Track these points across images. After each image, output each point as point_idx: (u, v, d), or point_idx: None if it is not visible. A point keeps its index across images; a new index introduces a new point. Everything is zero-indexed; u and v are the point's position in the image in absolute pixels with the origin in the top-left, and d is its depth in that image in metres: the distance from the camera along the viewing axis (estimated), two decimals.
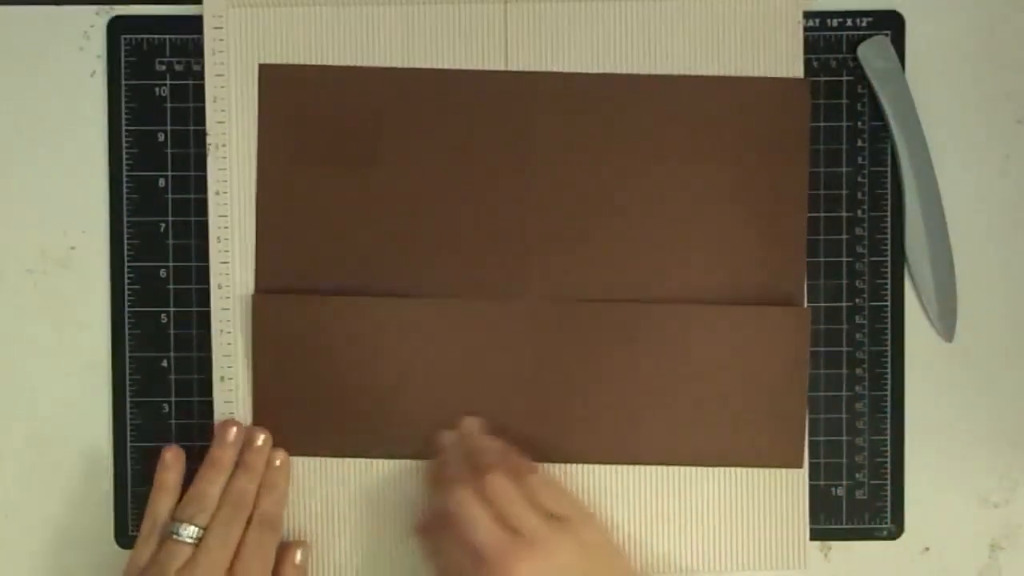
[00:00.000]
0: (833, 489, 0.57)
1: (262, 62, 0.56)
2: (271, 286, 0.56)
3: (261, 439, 0.55)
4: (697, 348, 0.56)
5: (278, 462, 0.55)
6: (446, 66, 0.56)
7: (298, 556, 0.55)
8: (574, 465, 0.56)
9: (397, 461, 0.57)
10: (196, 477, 0.54)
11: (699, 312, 0.56)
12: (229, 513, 0.52)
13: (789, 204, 0.56)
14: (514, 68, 0.56)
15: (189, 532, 0.52)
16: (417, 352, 0.56)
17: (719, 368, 0.56)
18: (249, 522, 0.53)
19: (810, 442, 0.57)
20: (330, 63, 0.56)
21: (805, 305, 0.57)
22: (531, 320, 0.56)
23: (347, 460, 0.57)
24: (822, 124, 0.57)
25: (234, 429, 0.55)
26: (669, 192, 0.56)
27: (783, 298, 0.56)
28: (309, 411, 0.56)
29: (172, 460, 0.55)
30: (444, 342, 0.56)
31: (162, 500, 0.54)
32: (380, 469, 0.57)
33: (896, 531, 0.57)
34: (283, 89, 0.56)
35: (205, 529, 0.52)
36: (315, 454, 0.56)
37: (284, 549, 0.55)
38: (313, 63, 0.56)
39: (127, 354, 0.57)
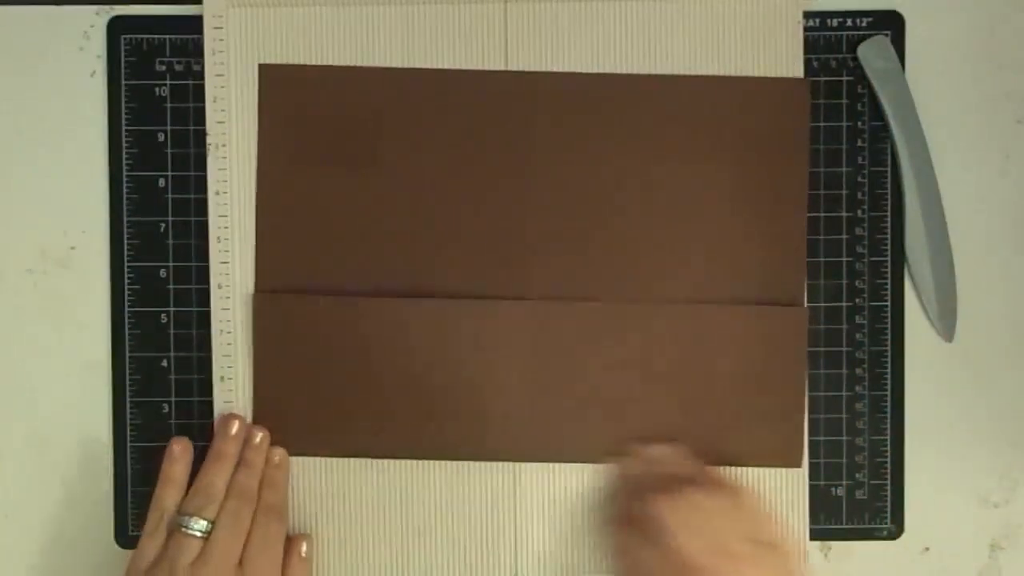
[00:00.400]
0: (833, 489, 0.57)
1: (262, 62, 0.56)
2: (271, 286, 0.56)
3: (259, 437, 0.55)
4: (696, 348, 0.56)
5: (276, 459, 0.55)
6: (446, 66, 0.56)
7: (304, 548, 0.55)
8: (571, 464, 0.56)
9: (398, 461, 0.57)
10: (201, 471, 0.54)
11: (698, 312, 0.56)
12: (236, 505, 0.53)
13: (789, 204, 0.56)
14: (514, 68, 0.56)
15: (199, 525, 0.52)
16: (417, 352, 0.56)
17: (718, 368, 0.56)
18: (254, 517, 0.53)
19: (810, 442, 0.57)
20: (330, 63, 0.56)
21: (805, 305, 0.57)
22: (531, 320, 0.56)
23: (348, 460, 0.57)
24: (822, 124, 0.57)
25: (236, 422, 0.55)
26: (669, 192, 0.56)
27: (784, 298, 0.56)
28: (310, 411, 0.56)
29: (180, 453, 0.55)
30: (445, 342, 0.56)
31: (169, 493, 0.54)
32: (381, 469, 0.57)
33: (896, 531, 0.57)
34: (283, 89, 0.56)
35: (213, 522, 0.52)
36: (316, 454, 0.56)
37: (290, 542, 0.55)
38: (313, 63, 0.56)
39: (127, 354, 0.57)
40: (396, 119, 0.56)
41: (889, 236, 0.57)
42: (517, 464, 0.56)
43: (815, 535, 0.57)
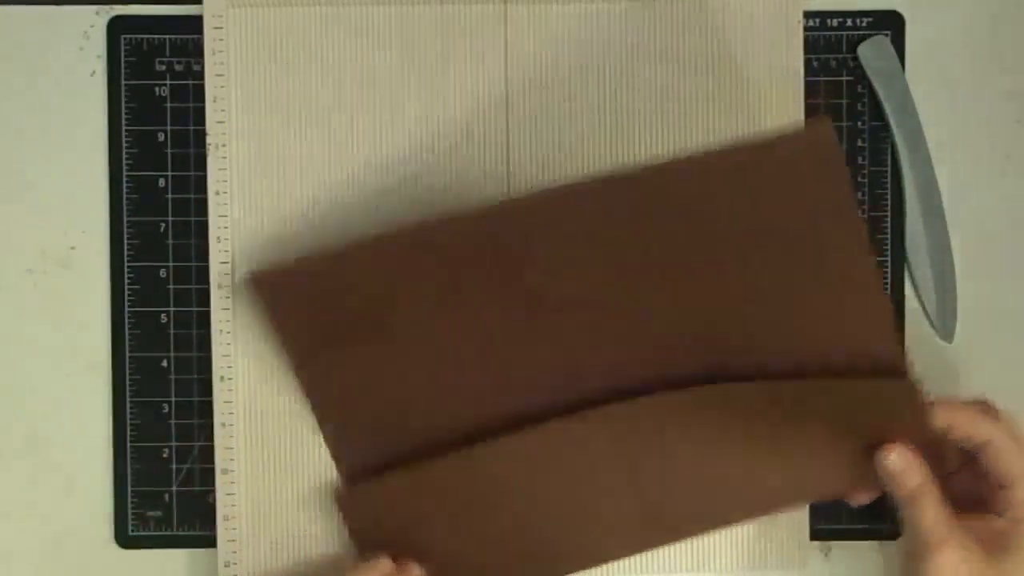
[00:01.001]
0: None
1: (249, 273, 0.52)
2: (350, 472, 0.55)
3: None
4: (809, 425, 0.52)
5: None
6: (447, 67, 0.56)
7: None
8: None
9: None
10: None
11: (802, 388, 0.51)
12: None
13: (853, 257, 0.49)
14: (512, 67, 0.56)
15: None
16: (520, 489, 0.54)
17: (843, 445, 0.53)
18: None
19: None
20: (330, 63, 0.56)
21: (910, 375, 0.50)
22: (622, 424, 0.52)
23: None
24: None
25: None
26: (725, 284, 0.50)
27: (884, 366, 0.50)
28: None
29: (386, 571, 0.53)
30: (548, 470, 0.53)
31: None
32: None
33: (896, 531, 0.57)
34: (280, 290, 0.52)
35: None
36: None
37: None
38: (313, 63, 0.56)
39: (127, 354, 0.57)
40: (403, 282, 0.51)
41: (889, 236, 0.57)
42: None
43: (815, 535, 0.57)
